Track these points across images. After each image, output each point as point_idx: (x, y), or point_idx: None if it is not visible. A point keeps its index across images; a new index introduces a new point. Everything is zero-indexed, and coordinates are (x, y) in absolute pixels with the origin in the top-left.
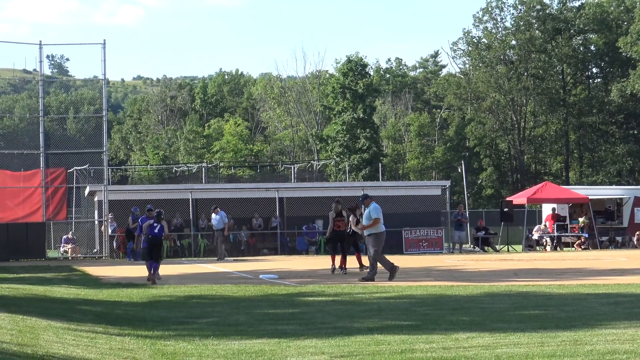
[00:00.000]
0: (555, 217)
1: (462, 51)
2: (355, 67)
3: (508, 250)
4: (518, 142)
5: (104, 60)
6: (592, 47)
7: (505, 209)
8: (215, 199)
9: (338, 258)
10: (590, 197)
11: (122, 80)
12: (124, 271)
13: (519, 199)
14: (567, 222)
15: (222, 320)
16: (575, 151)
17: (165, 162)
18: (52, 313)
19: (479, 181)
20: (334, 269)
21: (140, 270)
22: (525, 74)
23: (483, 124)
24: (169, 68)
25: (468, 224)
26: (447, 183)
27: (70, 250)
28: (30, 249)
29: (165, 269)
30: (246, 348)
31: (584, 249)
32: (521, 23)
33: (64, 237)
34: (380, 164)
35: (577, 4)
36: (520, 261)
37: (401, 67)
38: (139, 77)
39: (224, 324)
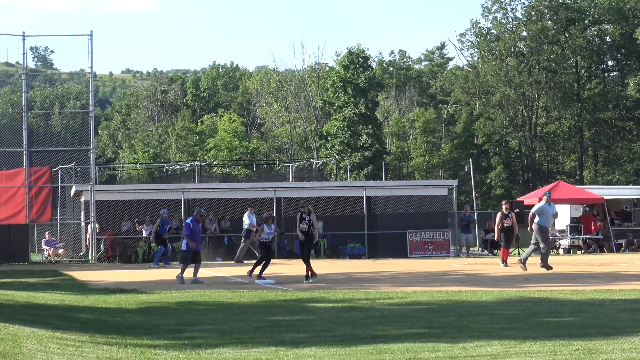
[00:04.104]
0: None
1: (470, 43)
2: (356, 60)
3: (519, 254)
4: (529, 139)
5: (91, 53)
6: (608, 39)
7: (516, 210)
8: (209, 199)
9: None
10: (605, 198)
11: (110, 73)
12: (112, 276)
13: (530, 199)
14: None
15: (215, 328)
16: (589, 149)
17: (155, 160)
18: (35, 320)
19: (488, 180)
20: None
21: (129, 275)
22: (537, 66)
23: (492, 120)
24: (160, 61)
25: (476, 226)
26: (454, 182)
27: (51, 253)
28: (12, 252)
29: (155, 274)
30: (241, 357)
31: (590, 252)
32: (532, 13)
33: (43, 239)
34: (383, 162)
35: None
36: (532, 265)
37: (405, 59)
38: (128, 71)
39: (217, 332)
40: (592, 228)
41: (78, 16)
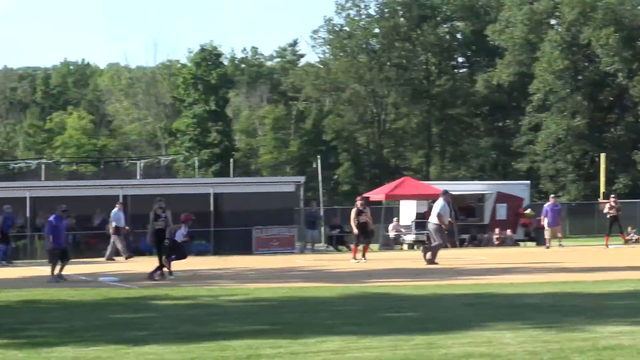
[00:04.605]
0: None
1: (322, 40)
2: (209, 57)
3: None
4: (377, 135)
5: None
6: (459, 36)
7: None
8: (56, 197)
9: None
10: (451, 193)
11: None
12: None
13: (377, 195)
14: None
15: (56, 327)
16: (437, 145)
17: (2, 158)
18: None
19: (335, 177)
20: None
21: None
22: (388, 63)
23: (342, 117)
24: (10, 58)
25: (322, 222)
26: (302, 179)
27: None
28: None
29: None
30: (81, 356)
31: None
32: (386, 10)
33: None
34: (231, 159)
35: None
36: (376, 261)
37: (257, 56)
38: None
39: (58, 330)
40: None
41: None
